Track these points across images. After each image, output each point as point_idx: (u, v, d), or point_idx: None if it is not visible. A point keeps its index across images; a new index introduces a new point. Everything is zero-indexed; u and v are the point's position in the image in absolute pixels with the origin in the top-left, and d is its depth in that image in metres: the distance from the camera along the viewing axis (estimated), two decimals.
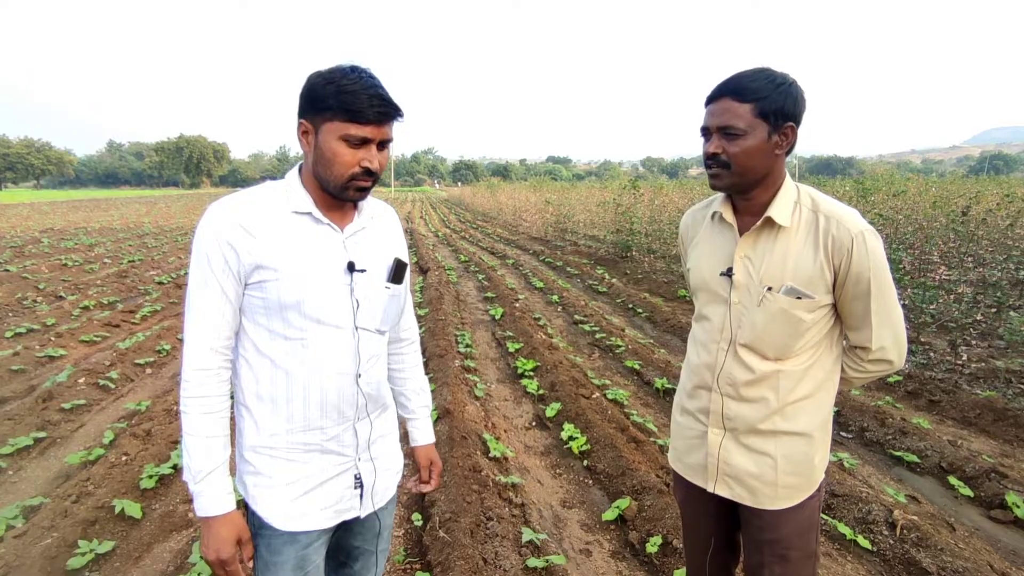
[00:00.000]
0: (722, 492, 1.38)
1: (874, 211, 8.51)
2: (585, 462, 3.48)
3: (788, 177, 1.31)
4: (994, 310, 6.09)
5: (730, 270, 1.32)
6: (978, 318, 5.79)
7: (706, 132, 1.28)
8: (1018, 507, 2.89)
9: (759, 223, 1.28)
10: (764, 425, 1.31)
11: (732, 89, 1.23)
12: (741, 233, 1.32)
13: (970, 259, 7.76)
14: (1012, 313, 5.13)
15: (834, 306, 1.29)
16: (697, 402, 1.42)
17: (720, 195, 1.38)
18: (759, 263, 1.28)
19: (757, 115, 1.21)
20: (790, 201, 1.28)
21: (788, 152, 1.27)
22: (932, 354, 5.27)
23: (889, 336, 1.27)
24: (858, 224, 1.22)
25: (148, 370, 5.01)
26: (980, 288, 6.81)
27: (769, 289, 1.26)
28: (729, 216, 1.34)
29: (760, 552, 1.37)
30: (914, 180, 16.77)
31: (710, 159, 1.27)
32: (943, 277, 6.33)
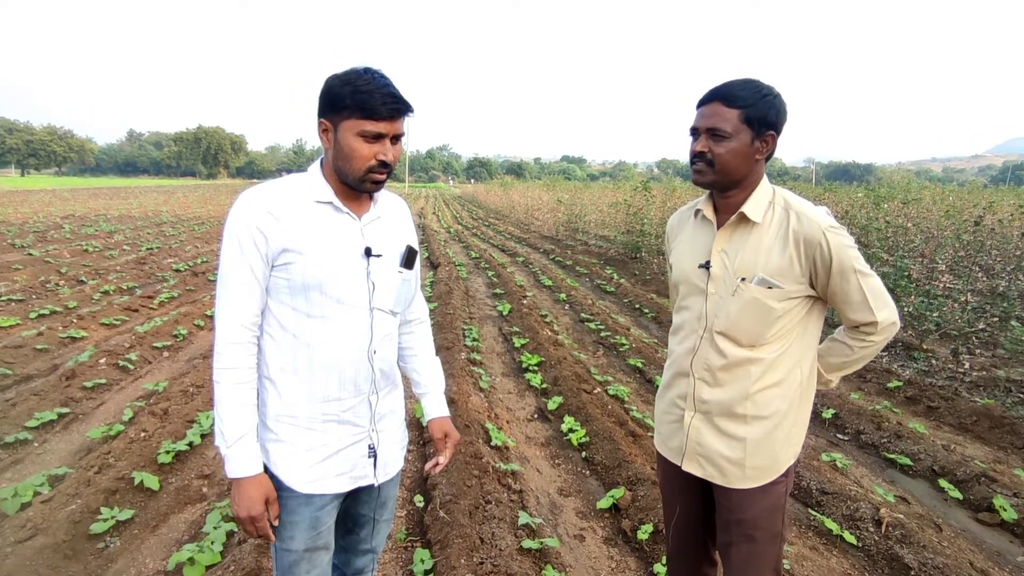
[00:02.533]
0: (694, 470, 1.49)
1: (884, 219, 8.50)
2: (583, 454, 3.59)
3: (765, 180, 1.42)
4: (998, 320, 6.11)
5: (708, 263, 1.43)
6: (982, 327, 5.82)
7: (695, 132, 1.40)
8: (1005, 510, 2.96)
9: (733, 219, 1.40)
10: (736, 409, 1.41)
11: (722, 95, 1.35)
12: (719, 229, 1.43)
13: (978, 269, 7.75)
14: (1014, 323, 5.15)
15: (808, 297, 1.38)
16: (676, 389, 1.53)
17: (703, 196, 1.50)
18: (734, 256, 1.40)
19: (743, 121, 1.33)
20: (764, 201, 1.39)
21: (767, 158, 1.38)
22: (934, 361, 5.31)
23: (884, 307, 1.36)
24: (824, 221, 1.33)
25: (165, 353, 5.19)
26: (988, 298, 6.82)
27: (743, 280, 1.37)
28: (709, 214, 1.45)
29: (729, 532, 1.47)
30: (930, 189, 16.65)
31: (696, 157, 1.39)
32: (948, 285, 6.35)
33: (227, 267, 1.28)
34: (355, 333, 1.34)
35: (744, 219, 1.39)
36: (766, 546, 1.44)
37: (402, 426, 1.56)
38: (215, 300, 1.30)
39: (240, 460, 1.27)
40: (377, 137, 1.24)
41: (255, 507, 1.28)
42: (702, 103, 1.38)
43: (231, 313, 1.27)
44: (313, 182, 1.32)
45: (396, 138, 1.28)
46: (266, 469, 1.38)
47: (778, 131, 1.36)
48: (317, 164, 1.36)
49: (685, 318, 1.51)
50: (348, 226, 1.33)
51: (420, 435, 3.61)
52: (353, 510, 1.52)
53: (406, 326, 1.60)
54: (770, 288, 1.35)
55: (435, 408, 1.63)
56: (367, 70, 1.24)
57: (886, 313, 1.37)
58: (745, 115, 1.32)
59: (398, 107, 1.24)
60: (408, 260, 1.43)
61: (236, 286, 1.27)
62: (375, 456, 1.43)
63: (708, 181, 1.39)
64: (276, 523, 1.35)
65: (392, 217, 1.45)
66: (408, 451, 1.60)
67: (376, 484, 1.45)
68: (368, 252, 1.34)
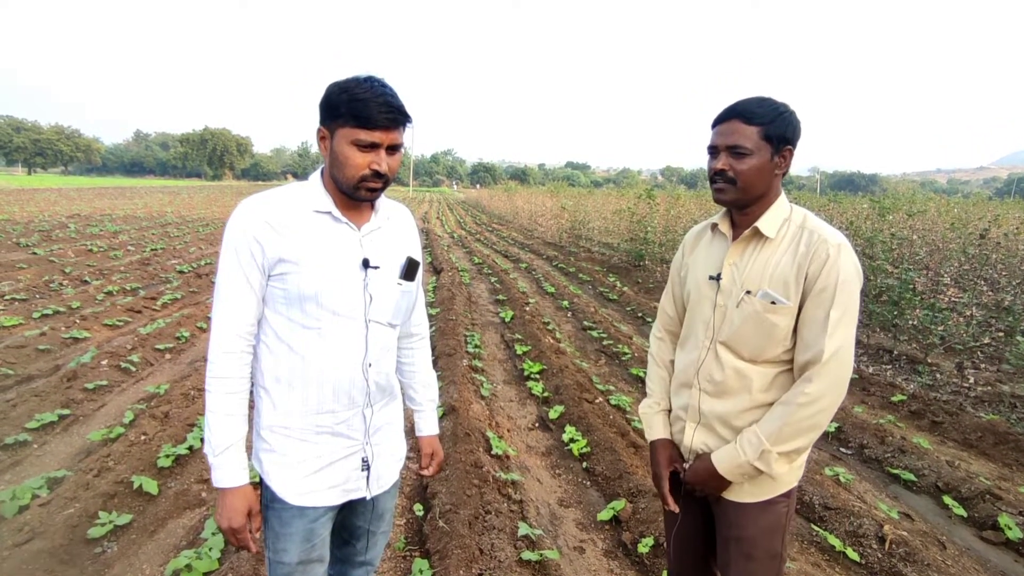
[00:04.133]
0: None
1: (889, 230, 8.47)
2: (584, 464, 3.56)
3: (783, 197, 1.42)
4: (1003, 334, 6.07)
5: (719, 275, 1.43)
6: (987, 342, 5.78)
7: (714, 150, 1.40)
8: (1010, 528, 2.93)
9: (747, 233, 1.40)
10: (737, 421, 1.41)
11: (740, 113, 1.35)
12: (733, 242, 1.43)
13: (983, 282, 7.71)
14: (1019, 338, 5.11)
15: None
16: (680, 399, 1.53)
17: (720, 212, 1.50)
18: (743, 269, 1.40)
19: (762, 137, 1.33)
20: (780, 217, 1.39)
21: (784, 173, 1.38)
22: (938, 375, 5.28)
23: (836, 342, 1.27)
24: (836, 238, 1.33)
25: (167, 356, 5.18)
26: (993, 312, 6.78)
27: (748, 292, 1.37)
28: (725, 228, 1.46)
29: (728, 549, 1.46)
30: (935, 200, 16.60)
31: (717, 175, 1.39)
32: (953, 299, 6.31)
33: (224, 276, 1.27)
34: (350, 345, 1.33)
35: (758, 234, 1.39)
36: (764, 565, 1.42)
37: (400, 437, 1.55)
38: (212, 307, 1.30)
39: (226, 471, 1.26)
40: (372, 146, 1.22)
41: (236, 519, 1.27)
42: (719, 121, 1.39)
43: (226, 322, 1.27)
44: (313, 191, 1.31)
45: (393, 148, 1.26)
46: (261, 480, 1.37)
47: (794, 146, 1.37)
48: (318, 173, 1.35)
49: (693, 329, 1.50)
50: (346, 237, 1.32)
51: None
52: (349, 522, 1.51)
53: (406, 340, 1.58)
54: (773, 303, 1.34)
55: (427, 426, 1.66)
56: (368, 78, 1.23)
57: (834, 346, 1.26)
58: (765, 132, 1.33)
59: (394, 116, 1.22)
60: (408, 272, 1.41)
61: (231, 295, 1.26)
62: (368, 469, 1.42)
63: (730, 199, 1.39)
64: (258, 535, 1.34)
65: (394, 227, 1.43)
66: (408, 459, 1.60)
67: (368, 497, 1.44)
68: (366, 263, 1.32)
